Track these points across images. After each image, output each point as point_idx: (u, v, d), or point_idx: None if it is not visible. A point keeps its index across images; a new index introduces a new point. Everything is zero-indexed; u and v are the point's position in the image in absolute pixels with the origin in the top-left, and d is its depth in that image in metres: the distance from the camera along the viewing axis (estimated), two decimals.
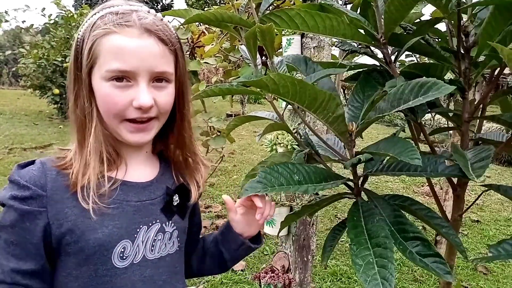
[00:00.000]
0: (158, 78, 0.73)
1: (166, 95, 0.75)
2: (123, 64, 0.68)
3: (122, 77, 0.69)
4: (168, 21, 0.78)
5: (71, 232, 0.68)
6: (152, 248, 0.76)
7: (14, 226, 0.67)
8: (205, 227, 3.34)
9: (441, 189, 3.42)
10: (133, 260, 0.73)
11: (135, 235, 0.74)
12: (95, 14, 0.72)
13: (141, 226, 0.75)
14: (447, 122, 0.99)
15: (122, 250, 0.72)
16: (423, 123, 0.92)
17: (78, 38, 0.72)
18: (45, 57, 8.08)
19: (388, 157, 0.77)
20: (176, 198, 0.82)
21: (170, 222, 0.80)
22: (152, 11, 0.75)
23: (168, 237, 0.80)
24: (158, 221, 0.78)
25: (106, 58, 0.68)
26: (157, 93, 0.73)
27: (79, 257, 0.70)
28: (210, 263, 0.96)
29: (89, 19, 0.72)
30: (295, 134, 0.93)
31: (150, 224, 0.76)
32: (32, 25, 8.27)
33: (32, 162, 0.73)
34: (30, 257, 0.68)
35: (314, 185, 0.68)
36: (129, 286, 0.73)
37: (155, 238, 0.77)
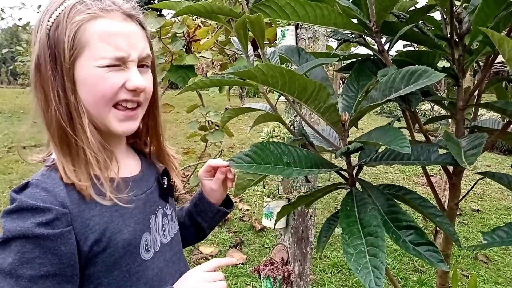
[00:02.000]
0: (141, 63, 0.72)
1: (149, 80, 0.74)
2: (117, 51, 0.66)
3: (115, 64, 0.67)
4: (162, 14, 0.77)
5: (98, 241, 0.66)
6: (164, 233, 0.80)
7: (45, 256, 0.60)
8: None
9: (441, 178, 3.42)
10: (154, 249, 0.76)
11: (150, 226, 0.76)
12: (65, 1, 0.66)
13: (151, 216, 0.77)
14: (447, 112, 0.98)
15: (146, 242, 0.74)
16: (424, 113, 0.91)
17: (47, 27, 0.65)
18: None
19: (382, 147, 0.77)
20: (165, 181, 0.84)
21: (168, 204, 0.84)
22: None
23: (170, 219, 0.84)
24: (160, 207, 0.81)
25: (98, 44, 0.65)
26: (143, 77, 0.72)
27: (108, 263, 0.67)
28: (188, 235, 0.97)
29: (59, 6, 0.65)
30: (290, 126, 0.93)
31: (156, 212, 0.79)
32: (29, 22, 8.24)
33: (26, 185, 0.65)
34: (67, 282, 0.63)
35: (301, 169, 0.68)
36: (159, 274, 0.75)
37: (162, 223, 0.80)
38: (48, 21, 0.65)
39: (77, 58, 0.65)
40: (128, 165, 0.79)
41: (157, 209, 0.79)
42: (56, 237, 0.60)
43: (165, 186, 0.84)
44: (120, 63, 0.67)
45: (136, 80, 0.69)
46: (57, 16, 0.65)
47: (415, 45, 1.33)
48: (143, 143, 0.86)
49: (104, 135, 0.72)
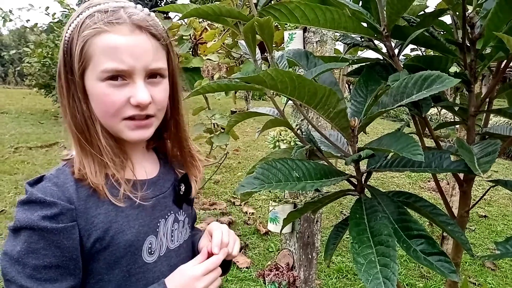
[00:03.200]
0: (152, 74, 0.72)
1: (161, 91, 0.74)
2: (119, 64, 0.67)
3: (117, 76, 0.68)
4: (169, 16, 0.77)
5: (100, 239, 0.68)
6: (172, 238, 0.80)
7: (49, 247, 0.63)
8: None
9: (448, 184, 3.39)
10: (159, 253, 0.76)
11: (157, 230, 0.76)
12: (81, 13, 0.69)
13: (160, 220, 0.78)
14: (454, 117, 0.96)
15: (149, 245, 0.74)
16: (429, 118, 0.90)
17: (65, 39, 0.69)
18: (49, 56, 8.10)
19: (391, 153, 0.75)
20: (182, 187, 0.84)
21: (181, 211, 0.84)
22: (139, 6, 0.73)
23: (182, 226, 0.84)
24: (172, 212, 0.81)
25: (100, 58, 0.66)
26: (153, 90, 0.72)
27: (109, 261, 0.70)
28: None
29: (75, 19, 0.69)
30: (297, 131, 0.92)
31: (166, 217, 0.79)
32: (37, 24, 8.27)
33: (41, 179, 0.69)
34: (70, 274, 0.66)
35: (313, 182, 0.67)
36: (160, 278, 0.75)
37: (172, 228, 0.80)
38: (67, 33, 0.69)
39: (84, 71, 0.68)
40: (144, 168, 0.80)
41: (168, 214, 0.80)
42: (59, 231, 0.64)
43: (181, 193, 0.84)
44: (123, 76, 0.68)
45: (139, 95, 0.69)
46: (72, 29, 0.69)
47: (423, 49, 1.32)
48: (167, 148, 0.87)
49: (118, 139, 0.74)
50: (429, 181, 5.17)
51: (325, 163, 0.80)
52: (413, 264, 3.00)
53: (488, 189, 0.93)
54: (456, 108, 0.93)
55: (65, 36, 0.69)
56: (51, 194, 0.65)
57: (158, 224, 0.77)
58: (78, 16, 0.69)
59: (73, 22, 0.69)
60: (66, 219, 0.65)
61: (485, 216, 4.11)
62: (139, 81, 0.69)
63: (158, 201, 0.78)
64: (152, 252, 0.75)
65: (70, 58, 0.69)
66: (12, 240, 0.64)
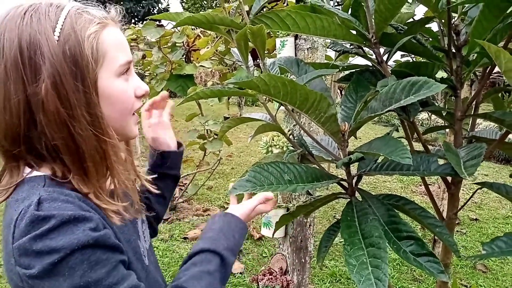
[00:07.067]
0: None
1: None
2: (128, 55, 0.63)
3: (126, 70, 0.63)
4: (162, 24, 0.78)
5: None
6: (145, 238, 0.79)
7: (106, 252, 0.57)
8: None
9: (439, 187, 3.42)
10: (143, 253, 0.74)
11: (139, 234, 0.76)
12: (59, 13, 0.57)
13: (136, 223, 0.77)
14: (444, 121, 0.99)
15: (142, 249, 0.74)
16: (421, 122, 0.92)
17: (55, 41, 0.56)
18: None
19: (382, 156, 0.77)
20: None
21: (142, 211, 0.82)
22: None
23: (146, 225, 0.83)
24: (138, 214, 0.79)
25: (113, 52, 0.60)
26: None
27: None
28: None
29: (58, 17, 0.57)
30: (289, 136, 0.93)
31: (137, 220, 0.77)
32: None
33: (38, 203, 0.55)
34: (130, 268, 0.64)
35: (304, 184, 0.68)
36: (153, 278, 0.75)
37: (143, 230, 0.79)
38: (54, 35, 0.56)
39: (99, 72, 0.60)
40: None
41: (137, 216, 0.77)
42: (108, 235, 0.58)
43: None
44: (128, 68, 0.64)
45: (143, 85, 0.66)
46: (61, 29, 0.57)
47: (413, 56, 1.35)
48: None
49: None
50: (420, 185, 5.21)
51: (316, 167, 0.81)
52: (406, 267, 3.02)
53: (475, 192, 0.95)
54: (444, 113, 0.95)
55: (55, 39, 0.56)
56: (77, 209, 0.56)
57: (138, 228, 0.76)
58: (60, 16, 0.57)
59: (57, 22, 0.57)
60: (102, 224, 0.59)
61: (476, 219, 4.15)
62: (134, 72, 0.66)
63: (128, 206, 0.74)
64: (145, 255, 0.74)
65: (75, 63, 0.56)
66: (62, 277, 0.53)
